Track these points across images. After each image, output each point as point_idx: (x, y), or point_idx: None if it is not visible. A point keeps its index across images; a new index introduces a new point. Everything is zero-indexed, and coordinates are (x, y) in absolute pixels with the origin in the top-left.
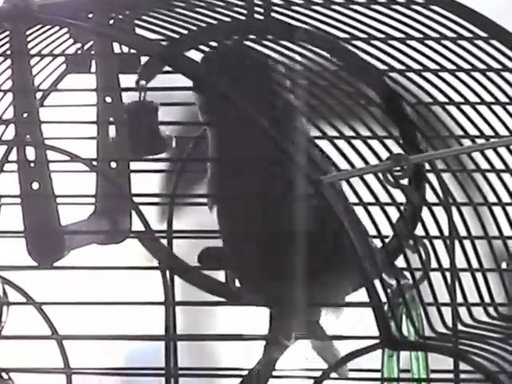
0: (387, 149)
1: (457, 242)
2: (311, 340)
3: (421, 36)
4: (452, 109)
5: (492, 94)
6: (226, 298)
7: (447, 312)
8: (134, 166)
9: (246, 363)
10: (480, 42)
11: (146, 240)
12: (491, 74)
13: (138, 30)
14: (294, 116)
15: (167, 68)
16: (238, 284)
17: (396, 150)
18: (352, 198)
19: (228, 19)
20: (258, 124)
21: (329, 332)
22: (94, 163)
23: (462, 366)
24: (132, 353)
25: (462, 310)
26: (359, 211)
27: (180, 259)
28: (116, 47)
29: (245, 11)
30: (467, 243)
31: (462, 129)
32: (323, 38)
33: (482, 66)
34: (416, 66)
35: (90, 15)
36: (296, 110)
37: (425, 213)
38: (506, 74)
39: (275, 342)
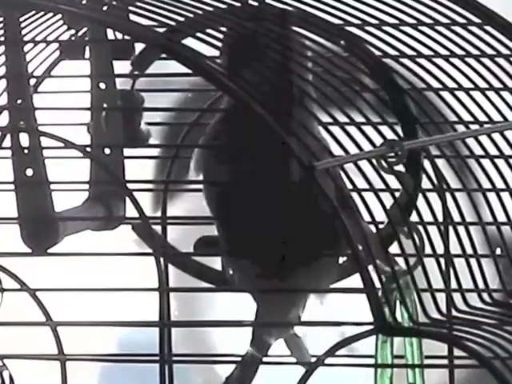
0: (381, 135)
1: (451, 228)
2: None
3: (414, 22)
4: (446, 95)
5: (486, 80)
6: (219, 285)
7: (441, 298)
8: (127, 152)
9: (241, 350)
10: (474, 28)
11: (139, 227)
12: (485, 60)
13: (132, 17)
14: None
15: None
16: (231, 271)
17: (390, 136)
18: (346, 184)
19: (223, 6)
20: (253, 111)
21: (320, 318)
22: (88, 149)
23: (456, 351)
24: (126, 339)
25: (456, 296)
26: (353, 197)
27: (173, 246)
28: (110, 33)
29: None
30: (461, 229)
31: (456, 115)
32: (316, 22)
33: (475, 52)
34: (409, 52)
35: (84, 1)
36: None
37: (419, 199)
38: (499, 60)
39: (267, 327)
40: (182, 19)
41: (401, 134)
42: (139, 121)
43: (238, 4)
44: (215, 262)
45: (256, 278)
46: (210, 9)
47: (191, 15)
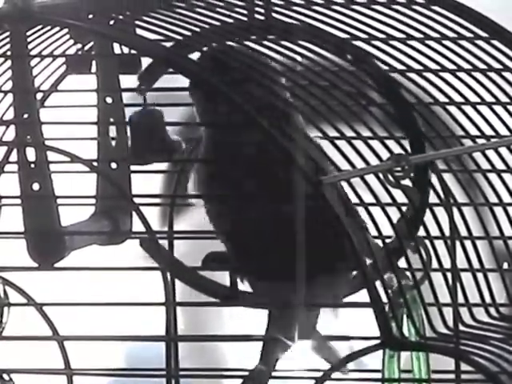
0: (388, 149)
1: (458, 243)
2: (311, 341)
3: (421, 36)
4: (453, 109)
5: (493, 94)
6: (227, 300)
7: (448, 312)
8: (134, 166)
9: (248, 363)
10: (480, 42)
11: (146, 242)
12: (492, 74)
13: (139, 31)
14: (294, 116)
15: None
16: (241, 286)
17: (397, 150)
18: (353, 199)
19: (229, 20)
20: (258, 124)
21: (329, 332)
22: (95, 164)
23: (463, 366)
24: (133, 353)
25: (463, 311)
26: (360, 212)
27: (179, 260)
28: (116, 48)
29: (245, 11)
30: (468, 243)
31: (463, 129)
32: (324, 37)
33: (482, 66)
34: (416, 66)
35: (91, 16)
36: (295, 109)
37: (426, 213)
38: (506, 74)
39: (276, 342)
40: (188, 34)
41: (408, 148)
42: (164, 134)
43: (244, 18)
44: (225, 278)
45: (265, 293)
46: (217, 23)
47: (197, 29)
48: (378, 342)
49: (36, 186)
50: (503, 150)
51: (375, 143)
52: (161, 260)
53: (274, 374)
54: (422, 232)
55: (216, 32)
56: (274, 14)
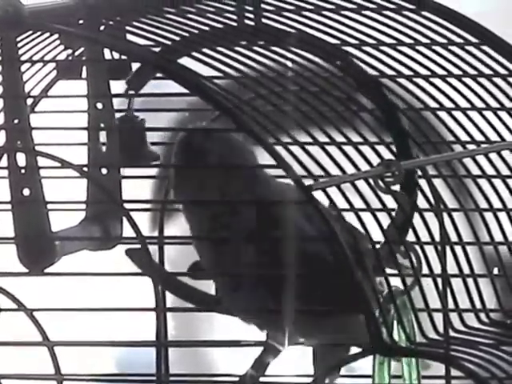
0: (378, 155)
1: (448, 248)
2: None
3: (412, 42)
4: (443, 114)
5: (483, 100)
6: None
7: (438, 318)
8: (124, 172)
9: (240, 368)
10: (471, 48)
11: (133, 252)
12: (482, 80)
13: (129, 37)
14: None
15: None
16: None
17: (387, 156)
18: (343, 204)
19: (218, 25)
20: (249, 131)
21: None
22: (85, 169)
23: (454, 372)
24: (124, 358)
25: (454, 316)
26: (350, 217)
27: (164, 269)
28: (107, 53)
29: (235, 17)
30: (458, 249)
31: (453, 134)
32: (315, 43)
33: (472, 72)
34: (407, 72)
35: (81, 21)
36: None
37: (416, 219)
38: (496, 80)
39: (268, 347)
40: (177, 39)
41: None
42: (143, 140)
43: (233, 24)
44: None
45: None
46: (206, 28)
47: (186, 34)
48: (368, 347)
49: (26, 192)
50: (493, 156)
51: (365, 149)
52: (149, 272)
53: (263, 378)
54: (412, 237)
55: (206, 38)
56: (263, 20)
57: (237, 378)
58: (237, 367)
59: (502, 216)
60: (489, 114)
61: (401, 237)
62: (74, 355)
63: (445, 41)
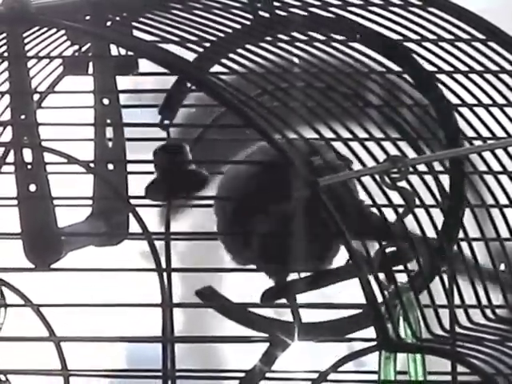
0: (384, 151)
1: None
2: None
3: (418, 38)
4: None
5: (489, 96)
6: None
7: (445, 314)
8: (130, 167)
9: (247, 363)
10: (477, 44)
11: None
12: (489, 76)
13: (136, 32)
14: None
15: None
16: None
17: (393, 151)
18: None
19: (226, 21)
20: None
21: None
22: (91, 165)
23: (460, 368)
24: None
25: (460, 313)
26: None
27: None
28: (113, 49)
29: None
30: (464, 245)
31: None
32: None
33: (479, 68)
34: None
35: (87, 17)
36: None
37: (423, 215)
38: (503, 76)
39: (276, 341)
40: (187, 36)
41: (405, 150)
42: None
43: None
44: None
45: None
46: (215, 25)
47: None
48: (374, 343)
49: (33, 187)
50: (500, 152)
51: (372, 145)
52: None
53: (272, 375)
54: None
55: (231, 43)
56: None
57: (243, 374)
58: (246, 363)
59: (509, 212)
60: (495, 111)
61: (407, 233)
62: (82, 350)
63: (451, 37)
